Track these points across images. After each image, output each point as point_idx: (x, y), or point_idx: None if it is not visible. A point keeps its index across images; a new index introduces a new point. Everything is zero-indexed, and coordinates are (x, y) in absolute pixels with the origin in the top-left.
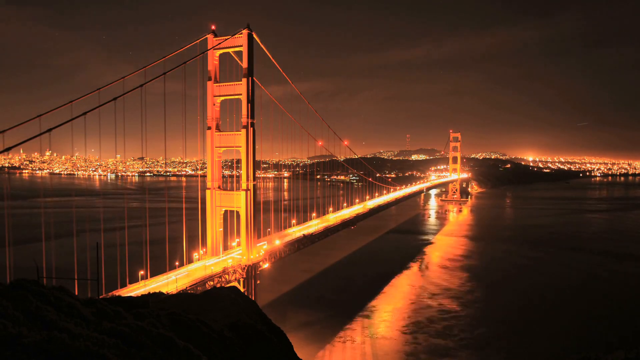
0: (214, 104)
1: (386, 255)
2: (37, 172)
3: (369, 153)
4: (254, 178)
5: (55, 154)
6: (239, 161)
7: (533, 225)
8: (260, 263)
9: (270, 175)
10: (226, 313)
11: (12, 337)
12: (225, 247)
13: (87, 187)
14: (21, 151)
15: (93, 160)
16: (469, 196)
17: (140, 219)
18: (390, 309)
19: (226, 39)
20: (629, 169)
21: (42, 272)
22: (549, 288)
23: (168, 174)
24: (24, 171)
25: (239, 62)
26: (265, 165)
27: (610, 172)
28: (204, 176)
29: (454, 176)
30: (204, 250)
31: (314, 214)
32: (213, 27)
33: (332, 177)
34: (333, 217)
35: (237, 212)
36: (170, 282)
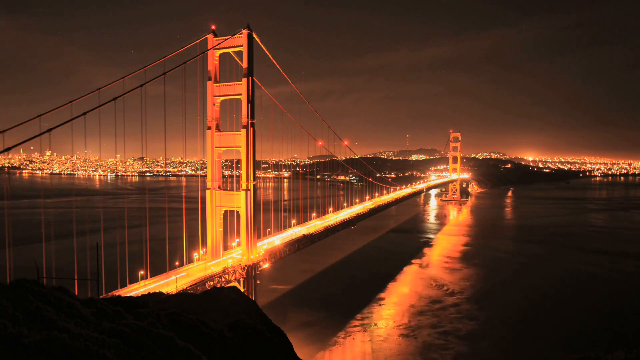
0: (214, 104)
1: (386, 255)
2: (37, 172)
3: (369, 153)
4: (254, 178)
5: (55, 154)
6: (239, 161)
7: (533, 225)
8: (260, 263)
9: (270, 175)
10: (226, 313)
11: (12, 337)
12: (225, 247)
13: (87, 187)
14: (21, 151)
15: (93, 160)
16: (469, 196)
17: (140, 219)
18: (391, 309)
19: (226, 39)
20: (629, 169)
21: (42, 272)
22: (549, 288)
23: (168, 174)
24: (24, 171)
25: (239, 62)
26: (265, 165)
27: (610, 172)
28: (204, 176)
29: (454, 176)
30: (204, 250)
31: (314, 214)
32: (213, 27)
33: (332, 177)
34: (333, 217)
35: (237, 212)
36: (170, 282)
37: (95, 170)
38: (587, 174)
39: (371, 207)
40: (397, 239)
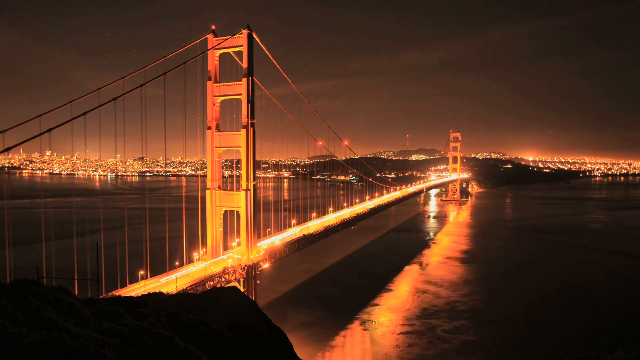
0: (214, 104)
1: (386, 255)
2: (37, 172)
3: (369, 153)
4: (254, 178)
5: (55, 154)
6: (239, 161)
7: (533, 225)
8: (260, 263)
9: (270, 175)
10: (226, 313)
11: (12, 337)
12: (225, 247)
13: (87, 187)
14: (21, 151)
15: (93, 160)
16: (469, 196)
17: (140, 219)
18: (391, 309)
19: (226, 39)
20: (629, 169)
21: (42, 272)
22: (549, 288)
23: (168, 174)
24: (24, 171)
25: (239, 62)
26: (265, 165)
27: (610, 172)
28: (204, 176)
29: (454, 176)
30: (204, 250)
31: (314, 214)
32: (213, 27)
33: (332, 177)
34: (333, 217)
35: (237, 212)
36: (170, 282)
37: (95, 170)
38: (587, 174)
39: (371, 207)
40: (397, 239)
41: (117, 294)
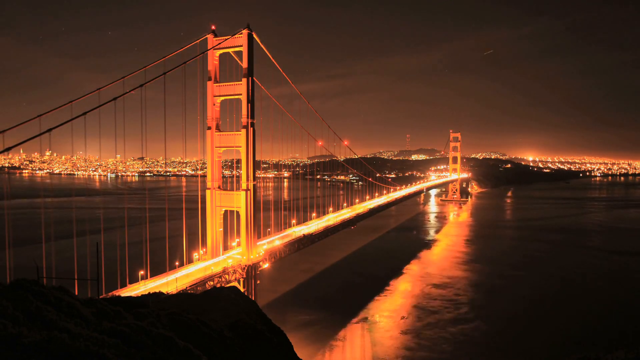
0: (214, 104)
1: (386, 255)
2: (37, 172)
3: (369, 153)
4: (254, 178)
5: (55, 154)
6: (239, 161)
7: (533, 225)
8: (260, 263)
9: (270, 175)
10: (226, 313)
11: (12, 337)
12: (225, 247)
13: (87, 187)
14: (21, 151)
15: (93, 160)
16: (469, 196)
17: (140, 219)
18: (391, 309)
19: (226, 39)
20: (629, 169)
21: (42, 272)
22: (549, 287)
23: (168, 174)
24: (24, 171)
25: (239, 62)
26: (265, 165)
27: (610, 172)
28: (204, 176)
29: (454, 176)
30: (204, 250)
31: (314, 214)
32: (213, 27)
33: (332, 177)
34: (333, 217)
35: (237, 212)
36: (170, 282)
37: (95, 170)
38: (587, 174)
39: (371, 207)
40: (397, 239)
41: (117, 294)
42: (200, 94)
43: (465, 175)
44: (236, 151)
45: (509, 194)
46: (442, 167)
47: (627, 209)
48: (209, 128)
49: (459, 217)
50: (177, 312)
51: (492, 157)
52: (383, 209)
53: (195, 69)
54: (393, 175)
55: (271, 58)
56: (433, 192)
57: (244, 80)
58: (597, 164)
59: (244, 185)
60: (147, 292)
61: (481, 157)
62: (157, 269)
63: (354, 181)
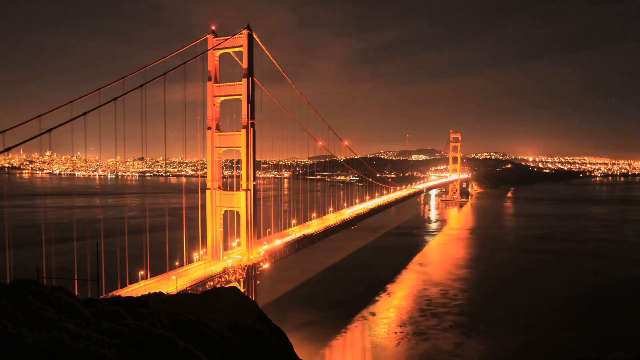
0: (214, 104)
1: (386, 255)
2: (37, 172)
3: (369, 153)
4: (254, 178)
5: (55, 154)
6: (239, 161)
7: (533, 225)
8: (260, 263)
9: (270, 176)
10: (226, 313)
11: (12, 337)
12: (226, 248)
13: (87, 187)
14: (21, 151)
15: (93, 160)
16: (469, 196)
17: (140, 219)
18: (391, 309)
19: (226, 39)
20: (629, 169)
21: (42, 272)
22: (549, 287)
23: (168, 174)
24: (24, 171)
25: (239, 62)
26: (265, 166)
27: (610, 172)
28: (204, 176)
29: (454, 176)
30: (204, 250)
31: (314, 214)
32: (213, 28)
33: (332, 177)
34: (333, 217)
35: (237, 213)
36: (170, 282)
37: (95, 171)
38: (587, 174)
39: (371, 207)
40: (397, 240)
41: (117, 294)
42: (201, 94)
43: (465, 175)
44: (236, 151)
45: (509, 194)
46: (442, 167)
47: (627, 211)
48: (209, 128)
49: (459, 218)
50: (177, 313)
51: (492, 157)
52: (383, 209)
53: (195, 69)
54: (393, 176)
55: (271, 58)
56: (433, 192)
57: (244, 80)
58: (597, 164)
59: (244, 186)
60: (147, 292)
61: (481, 158)
62: (157, 269)
63: (354, 181)
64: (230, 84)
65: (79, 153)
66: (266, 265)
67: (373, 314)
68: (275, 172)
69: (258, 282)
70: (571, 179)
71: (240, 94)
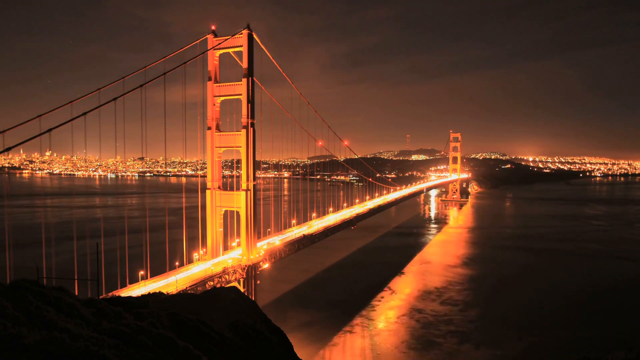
0: (214, 104)
1: (386, 255)
2: (37, 172)
3: (369, 153)
4: (254, 178)
5: (55, 154)
6: (239, 161)
7: (533, 225)
8: (260, 263)
9: (270, 176)
10: (226, 313)
11: (12, 337)
12: (226, 247)
13: (87, 187)
14: (21, 151)
15: (93, 160)
16: (469, 196)
17: (140, 219)
18: (390, 309)
19: (226, 39)
20: (629, 169)
21: (42, 272)
22: (549, 288)
23: (168, 174)
24: (24, 171)
25: (239, 62)
26: (265, 166)
27: (610, 172)
28: (204, 176)
29: (454, 176)
30: (204, 250)
31: (314, 214)
32: (213, 28)
33: (332, 177)
34: (333, 217)
35: (237, 212)
36: (171, 283)
37: (95, 171)
38: (587, 174)
39: (371, 207)
40: (397, 239)
41: (117, 294)
42: (201, 94)
43: (465, 175)
44: (236, 151)
45: (509, 194)
46: (442, 167)
47: (627, 211)
48: (209, 128)
49: (459, 218)
50: (177, 313)
51: (492, 157)
52: (383, 209)
53: (195, 69)
54: (393, 176)
55: (271, 58)
56: (433, 192)
57: (244, 80)
58: (597, 164)
59: (244, 186)
60: (147, 293)
61: (481, 157)
62: (157, 270)
63: (354, 181)
64: (230, 84)
65: (78, 153)
66: (266, 265)
67: (373, 314)
68: (275, 172)
69: (258, 282)
70: (571, 179)
71: (240, 94)
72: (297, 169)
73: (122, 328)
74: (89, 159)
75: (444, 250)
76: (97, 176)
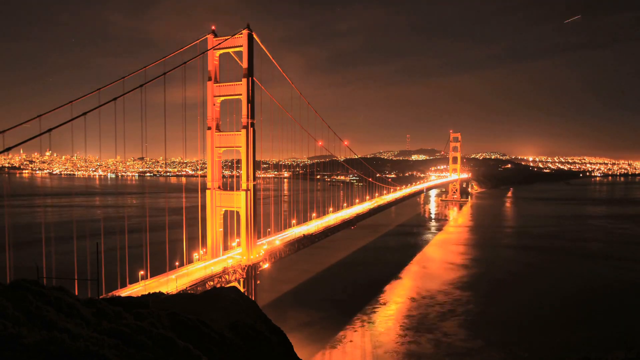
0: (214, 104)
1: (386, 255)
2: (37, 172)
3: (369, 153)
4: (254, 178)
5: (55, 154)
6: (239, 161)
7: (533, 225)
8: (260, 263)
9: (270, 176)
10: (226, 313)
11: (12, 337)
12: (226, 247)
13: (87, 187)
14: (21, 151)
15: (93, 160)
16: (469, 196)
17: (140, 219)
18: (391, 309)
19: (226, 39)
20: (629, 169)
21: (42, 272)
22: (549, 288)
23: (168, 174)
24: (24, 171)
25: (239, 62)
26: (265, 166)
27: (610, 172)
28: (204, 176)
29: (454, 176)
30: (204, 250)
31: (314, 214)
32: (213, 27)
33: (332, 177)
34: (333, 217)
35: (237, 212)
36: (171, 282)
37: (95, 171)
38: (587, 174)
39: (371, 207)
40: (397, 239)
41: (117, 294)
42: (201, 94)
43: (465, 175)
44: (236, 151)
45: (509, 194)
46: (442, 167)
47: (627, 211)
48: (209, 128)
49: (459, 218)
50: (177, 312)
51: (492, 157)
52: (383, 209)
53: (195, 69)
54: (393, 176)
55: (271, 58)
56: (433, 192)
57: (244, 80)
58: (597, 164)
59: (244, 186)
60: (147, 292)
61: (481, 157)
62: (157, 269)
63: (354, 181)
64: (230, 84)
65: (78, 153)
66: (266, 265)
67: (373, 314)
68: (275, 172)
69: (258, 282)
70: (571, 179)
71: (240, 94)
72: (297, 169)
73: (122, 328)
74: (89, 159)
75: (444, 250)
76: (97, 176)
